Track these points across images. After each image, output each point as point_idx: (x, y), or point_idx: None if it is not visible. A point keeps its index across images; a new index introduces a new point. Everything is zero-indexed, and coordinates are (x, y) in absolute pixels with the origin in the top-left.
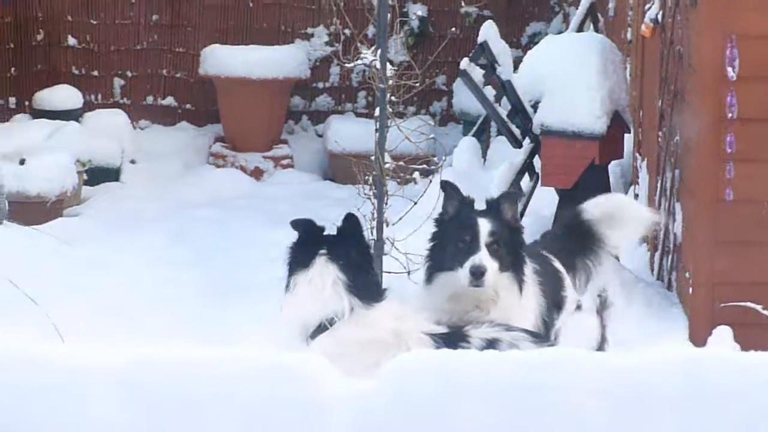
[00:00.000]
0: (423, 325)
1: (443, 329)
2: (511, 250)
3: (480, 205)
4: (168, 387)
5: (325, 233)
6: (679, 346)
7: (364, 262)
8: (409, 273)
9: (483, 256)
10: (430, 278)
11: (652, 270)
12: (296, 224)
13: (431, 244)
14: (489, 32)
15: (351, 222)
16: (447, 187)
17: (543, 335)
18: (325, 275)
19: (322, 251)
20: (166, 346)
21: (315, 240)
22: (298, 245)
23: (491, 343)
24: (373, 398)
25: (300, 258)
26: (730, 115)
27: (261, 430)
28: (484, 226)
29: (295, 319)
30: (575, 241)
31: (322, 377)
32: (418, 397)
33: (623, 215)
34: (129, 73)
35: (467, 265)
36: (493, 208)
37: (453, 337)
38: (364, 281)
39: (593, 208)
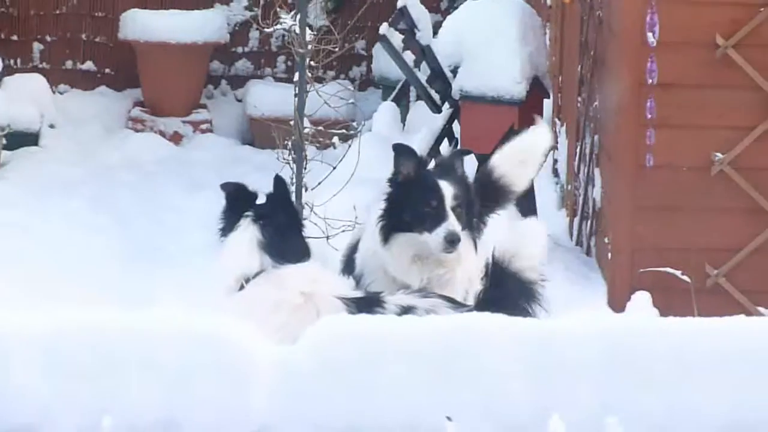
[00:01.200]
0: (337, 289)
1: (359, 294)
2: (468, 210)
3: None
4: (90, 353)
5: (254, 197)
6: (597, 312)
7: (291, 224)
8: (328, 238)
9: (454, 223)
10: (387, 239)
11: (571, 235)
12: (225, 187)
13: (386, 204)
14: None
15: (279, 185)
16: (400, 148)
17: (461, 302)
18: (245, 236)
19: (248, 213)
20: (87, 311)
21: (244, 203)
22: (228, 209)
23: (407, 310)
24: (295, 362)
25: (229, 221)
26: (650, 80)
27: (183, 395)
28: (447, 189)
29: (220, 280)
30: (489, 197)
31: (245, 341)
32: (341, 362)
33: (528, 156)
34: (48, 38)
35: (440, 232)
36: (449, 168)
37: (367, 303)
38: (285, 243)
39: (501, 162)
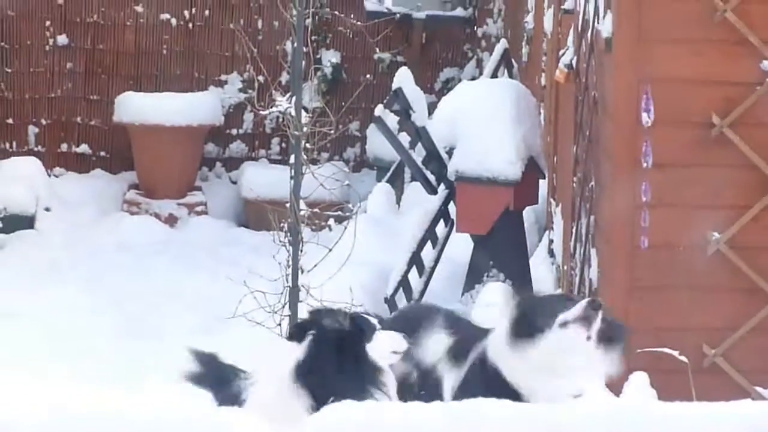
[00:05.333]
0: None
1: None
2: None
3: None
4: None
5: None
6: (598, 395)
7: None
8: None
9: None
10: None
11: None
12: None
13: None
14: (403, 78)
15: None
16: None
17: None
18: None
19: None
20: (83, 395)
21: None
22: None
23: None
24: None
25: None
26: (645, 164)
27: None
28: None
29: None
30: None
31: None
32: None
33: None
34: (44, 121)
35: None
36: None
37: None
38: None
39: None
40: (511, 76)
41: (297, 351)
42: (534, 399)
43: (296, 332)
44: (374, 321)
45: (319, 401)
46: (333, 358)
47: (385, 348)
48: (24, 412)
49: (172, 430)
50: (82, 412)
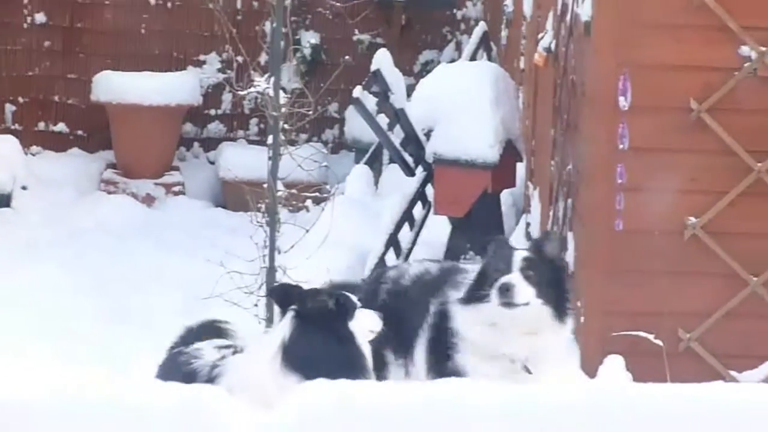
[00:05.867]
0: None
1: None
2: (551, 283)
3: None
4: (68, 422)
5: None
6: (574, 378)
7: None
8: None
9: (512, 276)
10: (468, 305)
11: None
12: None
13: (474, 279)
14: (382, 60)
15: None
16: (491, 241)
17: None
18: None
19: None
20: (65, 377)
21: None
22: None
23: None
24: (270, 429)
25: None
26: (621, 146)
27: None
28: (519, 254)
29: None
30: None
31: (224, 410)
32: (319, 429)
33: None
34: (21, 99)
35: (497, 284)
36: (534, 243)
37: None
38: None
39: None
40: (490, 59)
41: (282, 330)
42: (480, 353)
43: (278, 294)
44: (355, 299)
45: (305, 380)
46: (318, 337)
47: (365, 326)
48: (27, 393)
49: (158, 414)
50: (75, 395)
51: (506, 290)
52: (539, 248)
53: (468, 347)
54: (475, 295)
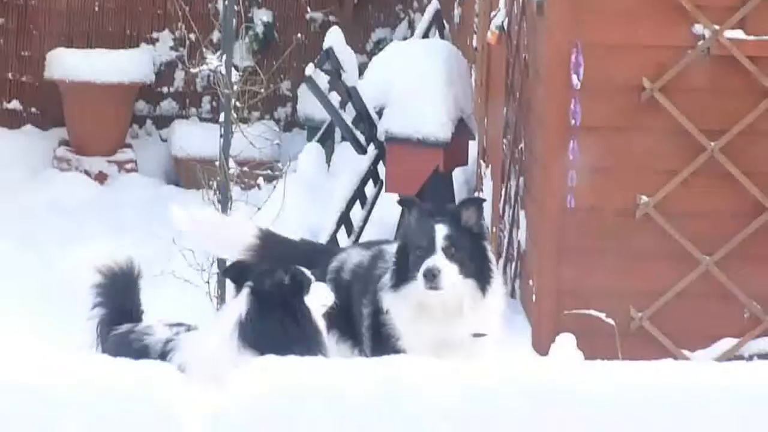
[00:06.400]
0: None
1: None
2: (473, 255)
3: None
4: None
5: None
6: (523, 356)
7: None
8: None
9: (437, 258)
10: (396, 291)
11: None
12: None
13: (395, 259)
14: (334, 38)
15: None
16: (405, 201)
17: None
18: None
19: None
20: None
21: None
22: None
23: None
24: (225, 415)
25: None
26: (573, 122)
27: None
28: (440, 230)
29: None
30: None
31: (175, 389)
32: (270, 415)
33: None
34: None
35: (422, 269)
36: (453, 213)
37: None
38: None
39: None
40: (442, 37)
41: (238, 307)
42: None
43: (233, 273)
44: (309, 274)
45: (260, 356)
46: (276, 313)
47: (318, 301)
48: None
49: (109, 394)
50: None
51: (432, 276)
52: (458, 218)
53: (403, 332)
54: (401, 279)
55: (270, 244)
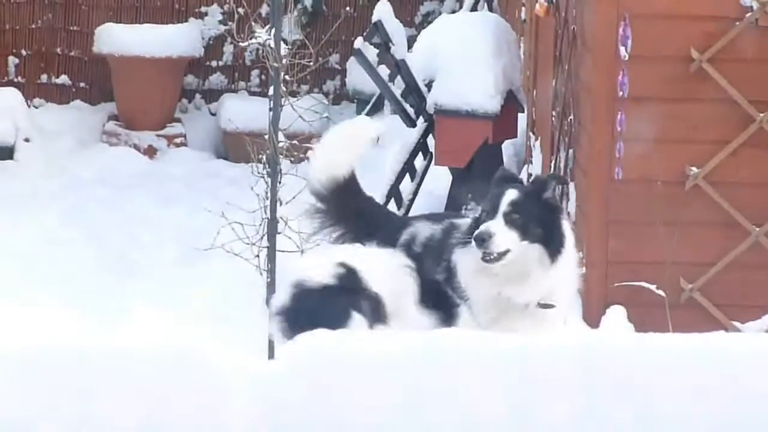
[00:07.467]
0: None
1: None
2: (544, 225)
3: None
4: (70, 374)
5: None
6: (573, 328)
7: None
8: (302, 252)
9: (493, 223)
10: (463, 247)
11: None
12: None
13: (470, 225)
14: (383, 11)
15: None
16: (499, 175)
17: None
18: None
19: None
20: (61, 330)
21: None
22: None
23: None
24: (271, 381)
25: None
26: (621, 93)
27: (160, 417)
28: (508, 196)
29: None
30: None
31: (221, 363)
32: (319, 383)
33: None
34: (24, 52)
35: (476, 232)
36: (535, 184)
37: None
38: None
39: None
40: (491, 9)
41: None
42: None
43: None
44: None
45: None
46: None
47: None
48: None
49: (151, 362)
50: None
51: (482, 240)
52: (539, 189)
53: (467, 284)
54: (466, 239)
55: (351, 185)
